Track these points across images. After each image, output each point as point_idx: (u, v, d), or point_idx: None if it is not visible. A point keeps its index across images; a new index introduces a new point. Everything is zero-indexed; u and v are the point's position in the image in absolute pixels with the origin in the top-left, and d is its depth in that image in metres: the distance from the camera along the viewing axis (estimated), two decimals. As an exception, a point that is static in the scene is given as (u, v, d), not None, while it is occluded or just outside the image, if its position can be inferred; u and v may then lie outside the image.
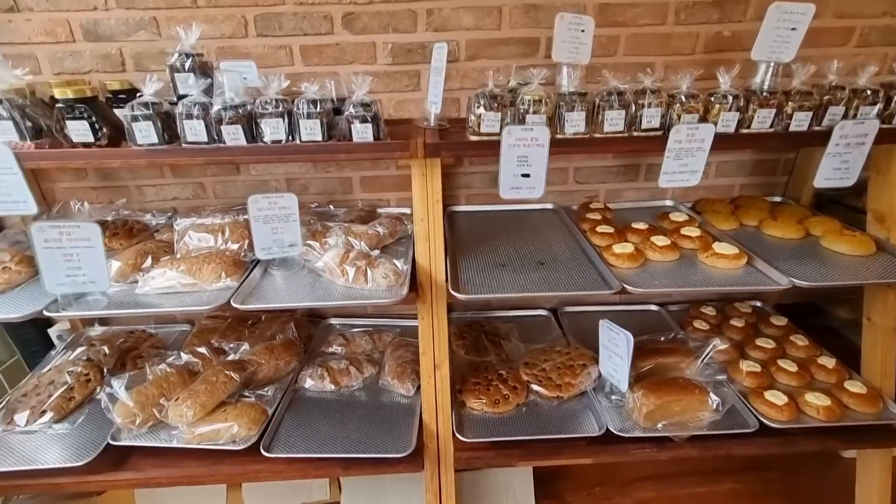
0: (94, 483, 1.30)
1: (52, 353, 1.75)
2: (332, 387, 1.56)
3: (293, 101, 1.24)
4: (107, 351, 1.67)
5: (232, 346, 1.65)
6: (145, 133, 1.23)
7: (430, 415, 1.43)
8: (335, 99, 1.28)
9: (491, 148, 1.24)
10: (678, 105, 1.25)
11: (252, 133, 1.25)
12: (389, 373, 1.59)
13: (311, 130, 1.24)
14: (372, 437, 1.39)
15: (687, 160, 1.23)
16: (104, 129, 1.23)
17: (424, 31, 1.55)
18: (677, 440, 1.37)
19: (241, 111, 1.22)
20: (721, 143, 1.22)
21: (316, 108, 1.23)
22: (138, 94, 1.22)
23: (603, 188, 1.83)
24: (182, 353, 1.57)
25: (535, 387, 1.52)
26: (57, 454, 1.34)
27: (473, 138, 1.31)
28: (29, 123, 1.21)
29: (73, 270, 1.16)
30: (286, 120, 1.24)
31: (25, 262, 1.36)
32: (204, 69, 1.34)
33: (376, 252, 1.41)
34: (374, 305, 1.86)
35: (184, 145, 1.25)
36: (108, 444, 1.35)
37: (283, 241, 1.35)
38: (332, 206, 1.74)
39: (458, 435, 1.36)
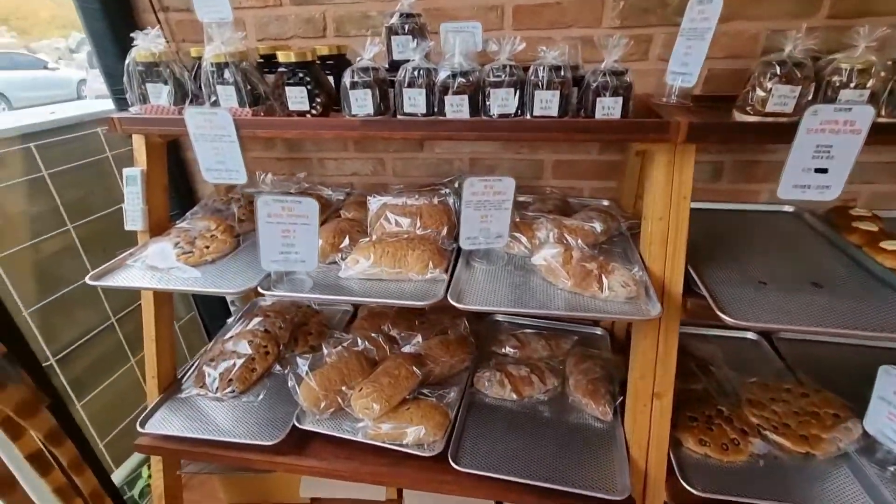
0: (281, 465, 1.27)
1: (230, 320, 1.79)
2: (514, 396, 1.39)
3: (526, 70, 1.04)
4: (281, 325, 1.66)
5: (403, 335, 1.56)
6: (361, 102, 1.11)
7: (640, 451, 1.20)
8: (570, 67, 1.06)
9: (777, 133, 0.95)
10: None
11: (476, 105, 1.08)
12: (578, 389, 1.38)
13: (546, 104, 1.04)
14: (570, 465, 1.19)
15: None
16: (319, 97, 1.14)
17: (667, -15, 1.26)
18: None
19: (470, 78, 1.05)
20: None
21: (557, 75, 1.02)
22: (357, 59, 1.10)
23: (866, 189, 1.42)
24: (357, 338, 1.50)
25: (771, 435, 1.22)
26: (244, 428, 1.33)
27: (751, 119, 1.02)
28: (248, 87, 1.15)
29: (288, 248, 1.09)
30: (517, 91, 1.05)
31: (228, 231, 1.34)
32: (422, 33, 1.19)
33: (594, 252, 1.18)
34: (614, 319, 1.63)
35: (398, 117, 1.12)
36: (294, 425, 1.31)
37: (490, 231, 1.18)
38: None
39: (684, 483, 1.11)
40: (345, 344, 1.49)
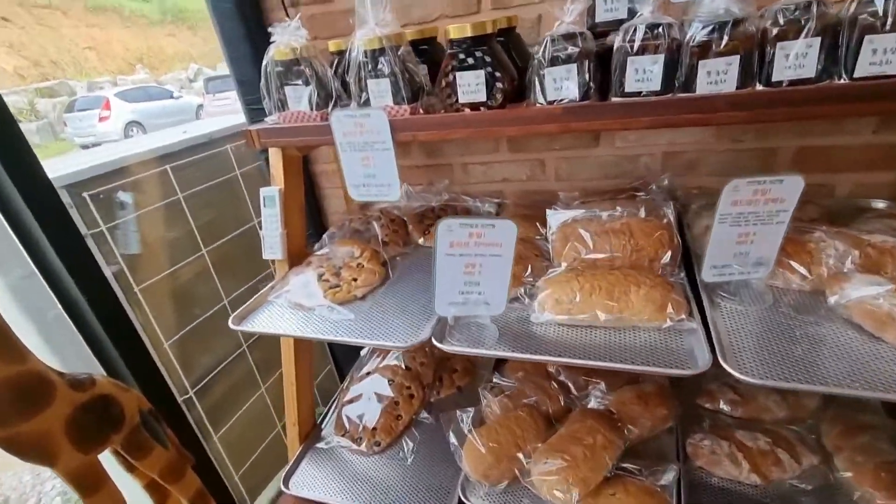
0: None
1: (363, 351, 1.59)
2: (756, 479, 1.00)
3: (849, 5, 0.66)
4: (423, 360, 1.42)
5: (577, 381, 1.23)
6: (562, 83, 0.80)
7: None
8: None
9: None
10: None
11: (748, 71, 0.72)
12: (862, 477, 0.95)
13: (883, 56, 0.65)
14: None
15: None
16: (501, 83, 0.85)
17: None
18: None
19: (744, 29, 0.69)
20: None
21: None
22: (557, 24, 0.80)
23: None
24: (524, 387, 1.20)
25: None
26: (396, 496, 1.09)
27: None
28: (408, 76, 0.90)
29: (471, 287, 0.81)
30: (822, 41, 0.67)
31: (375, 258, 1.12)
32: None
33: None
34: None
35: (614, 99, 0.79)
36: (459, 499, 1.04)
37: (749, 257, 0.81)
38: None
39: None
40: (508, 393, 1.20)
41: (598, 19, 0.88)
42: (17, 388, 0.64)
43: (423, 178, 1.46)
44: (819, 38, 0.67)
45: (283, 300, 1.05)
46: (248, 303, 1.04)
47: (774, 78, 0.70)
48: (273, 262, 1.20)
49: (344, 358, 1.88)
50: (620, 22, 0.80)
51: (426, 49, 1.02)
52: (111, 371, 1.12)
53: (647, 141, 1.19)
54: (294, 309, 1.02)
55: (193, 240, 1.52)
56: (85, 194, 1.20)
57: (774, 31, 0.68)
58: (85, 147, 9.59)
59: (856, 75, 0.67)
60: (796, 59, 0.69)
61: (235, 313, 1.00)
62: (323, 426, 1.33)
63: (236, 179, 1.66)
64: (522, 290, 0.93)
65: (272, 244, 1.13)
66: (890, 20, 0.63)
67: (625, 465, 1.02)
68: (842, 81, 0.68)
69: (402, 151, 1.45)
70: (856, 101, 0.66)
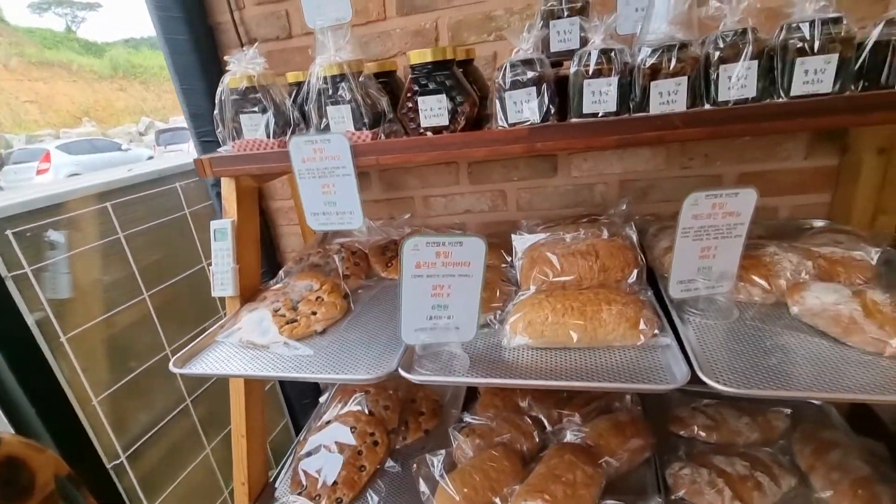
0: None
1: (323, 398, 1.48)
2: (740, 507, 0.97)
3: (779, 31, 0.73)
4: (387, 403, 1.33)
5: (550, 414, 1.18)
6: (523, 106, 0.82)
7: None
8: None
9: None
10: None
11: (695, 91, 0.76)
12: (840, 494, 0.94)
13: (816, 76, 0.70)
14: None
15: None
16: (463, 108, 0.86)
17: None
18: None
19: (689, 53, 0.74)
20: None
21: (832, 33, 0.69)
22: (515, 51, 0.82)
23: None
24: (495, 423, 1.13)
25: None
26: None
27: None
28: (370, 102, 0.90)
29: (439, 311, 0.77)
30: (759, 63, 0.73)
31: (336, 291, 1.06)
32: (582, 13, 0.91)
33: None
34: None
35: (574, 120, 0.81)
36: (432, 556, 0.94)
37: (713, 271, 0.82)
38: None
39: None
40: (480, 432, 1.13)
41: (552, 49, 0.92)
42: None
43: (385, 211, 1.44)
44: (756, 62, 0.72)
45: (233, 339, 0.96)
46: (193, 343, 0.94)
47: (721, 98, 0.75)
48: (224, 301, 1.11)
49: (302, 409, 1.74)
50: (573, 51, 0.84)
51: (386, 81, 1.03)
52: (25, 431, 0.96)
53: (602, 170, 1.23)
54: (246, 348, 0.93)
55: (134, 282, 1.39)
56: (8, 232, 1.09)
57: (717, 54, 0.73)
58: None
59: (792, 94, 0.72)
60: (738, 81, 0.73)
61: (178, 355, 0.90)
62: (277, 485, 1.19)
63: (185, 219, 1.57)
64: (492, 317, 0.90)
65: (223, 280, 1.05)
66: (817, 44, 0.69)
67: (607, 501, 0.96)
68: (781, 100, 0.73)
69: (361, 185, 1.42)
70: (796, 117, 0.71)
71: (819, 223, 1.10)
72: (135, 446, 1.36)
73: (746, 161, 1.15)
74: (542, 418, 1.19)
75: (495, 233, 1.28)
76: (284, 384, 1.74)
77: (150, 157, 10.86)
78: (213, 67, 1.17)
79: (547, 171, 1.27)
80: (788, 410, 1.17)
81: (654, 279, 0.97)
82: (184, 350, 0.91)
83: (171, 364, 0.88)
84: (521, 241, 1.02)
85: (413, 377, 0.78)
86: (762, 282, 0.84)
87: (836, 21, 0.68)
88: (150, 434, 1.42)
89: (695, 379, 0.68)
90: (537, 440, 1.12)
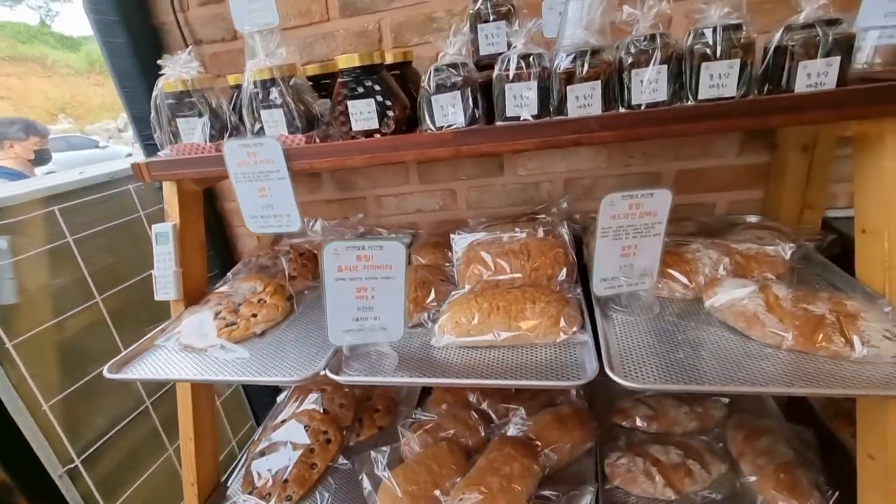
0: None
1: (280, 397, 1.49)
2: (671, 494, 1.00)
3: (687, 37, 0.75)
4: (342, 401, 1.35)
5: (498, 409, 1.21)
6: (449, 110, 0.83)
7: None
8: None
9: None
10: None
11: (609, 95, 0.78)
12: (766, 481, 0.98)
13: (720, 80, 0.73)
14: None
15: None
16: (392, 111, 0.87)
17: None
18: None
19: (602, 58, 0.76)
20: None
21: (734, 38, 0.72)
22: (440, 55, 0.84)
23: None
24: (443, 419, 1.16)
25: None
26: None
27: None
28: (302, 108, 0.90)
29: (365, 312, 0.79)
30: (668, 68, 0.75)
31: (279, 292, 1.07)
32: (508, 18, 0.93)
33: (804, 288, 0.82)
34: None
35: (499, 123, 0.83)
36: (375, 551, 0.96)
37: (634, 269, 0.85)
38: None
39: None
40: (427, 427, 1.15)
41: (482, 52, 0.93)
42: None
43: (338, 211, 1.44)
44: (666, 66, 0.74)
45: (172, 343, 0.96)
46: (130, 348, 0.94)
47: (634, 101, 0.77)
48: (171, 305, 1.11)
49: (263, 409, 1.75)
50: (500, 55, 0.85)
51: (328, 83, 1.04)
52: (-38, 440, 0.96)
53: (547, 168, 1.25)
54: (184, 352, 0.94)
55: (85, 287, 1.39)
56: (-54, 238, 1.08)
57: (629, 59, 0.75)
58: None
59: (699, 97, 0.74)
60: (650, 85, 0.75)
61: (113, 361, 0.90)
62: (229, 484, 1.21)
63: (140, 221, 1.56)
64: (426, 316, 0.92)
65: (165, 284, 1.06)
66: (719, 49, 0.71)
67: (543, 492, 0.99)
68: (689, 103, 0.75)
69: (313, 185, 1.44)
70: (703, 121, 0.73)
71: (752, 219, 1.14)
72: (90, 450, 1.36)
73: (683, 158, 1.18)
74: (490, 412, 1.22)
75: (446, 231, 1.30)
76: (245, 385, 1.75)
77: (129, 155, 10.66)
78: (154, 69, 1.16)
79: (494, 169, 1.29)
80: (726, 400, 1.22)
81: (588, 274, 0.99)
82: (120, 355, 0.92)
83: (105, 370, 0.88)
84: (461, 241, 1.04)
85: (339, 378, 0.79)
86: (683, 278, 0.87)
87: (737, 27, 0.71)
88: (107, 437, 1.42)
89: (603, 374, 0.70)
90: (482, 434, 1.15)
